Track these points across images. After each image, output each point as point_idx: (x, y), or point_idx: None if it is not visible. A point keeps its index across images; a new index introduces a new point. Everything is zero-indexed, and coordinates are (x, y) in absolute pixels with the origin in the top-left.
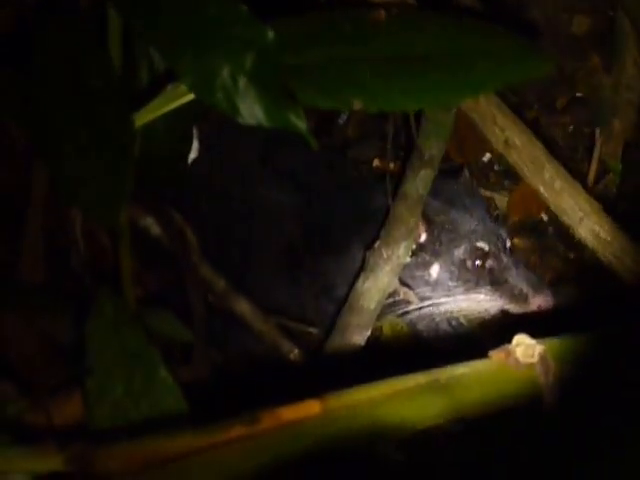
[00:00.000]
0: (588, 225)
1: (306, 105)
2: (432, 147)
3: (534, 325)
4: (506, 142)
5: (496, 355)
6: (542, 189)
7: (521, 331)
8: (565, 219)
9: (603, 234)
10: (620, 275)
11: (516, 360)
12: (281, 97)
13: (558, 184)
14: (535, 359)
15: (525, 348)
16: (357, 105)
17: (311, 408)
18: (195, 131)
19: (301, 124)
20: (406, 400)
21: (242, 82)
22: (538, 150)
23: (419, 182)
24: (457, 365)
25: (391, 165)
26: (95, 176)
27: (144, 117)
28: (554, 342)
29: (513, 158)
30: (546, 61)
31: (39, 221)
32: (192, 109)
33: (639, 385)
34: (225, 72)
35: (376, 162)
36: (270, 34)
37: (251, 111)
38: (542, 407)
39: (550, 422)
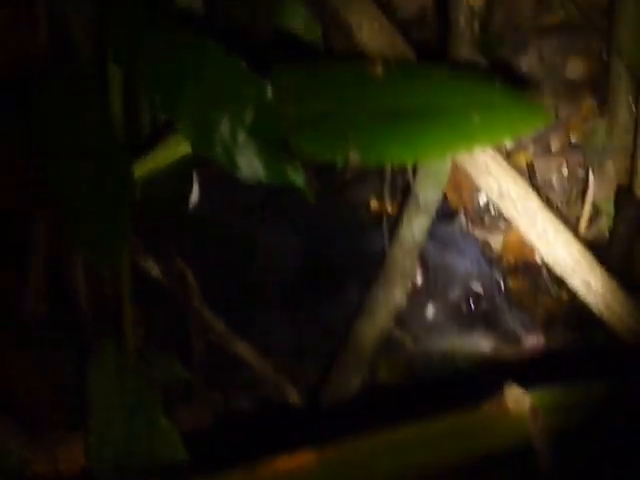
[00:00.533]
0: (580, 275)
1: (304, 157)
2: (428, 193)
3: (526, 365)
4: (500, 193)
5: (487, 405)
6: (535, 239)
7: (514, 372)
8: (557, 268)
9: (595, 284)
10: (610, 324)
11: (507, 410)
12: (280, 152)
13: (551, 235)
14: (525, 409)
15: (515, 398)
16: (354, 158)
17: (307, 459)
18: (195, 176)
19: (299, 179)
20: (399, 451)
21: (241, 137)
22: (532, 201)
23: (415, 228)
24: (450, 414)
25: (388, 207)
26: (95, 222)
27: (145, 166)
28: (543, 392)
29: (507, 208)
30: (543, 114)
31: (43, 259)
32: (193, 156)
33: (626, 435)
34: (224, 127)
35: (374, 204)
36: (269, 90)
37: (250, 166)
38: (532, 455)
39: (541, 471)
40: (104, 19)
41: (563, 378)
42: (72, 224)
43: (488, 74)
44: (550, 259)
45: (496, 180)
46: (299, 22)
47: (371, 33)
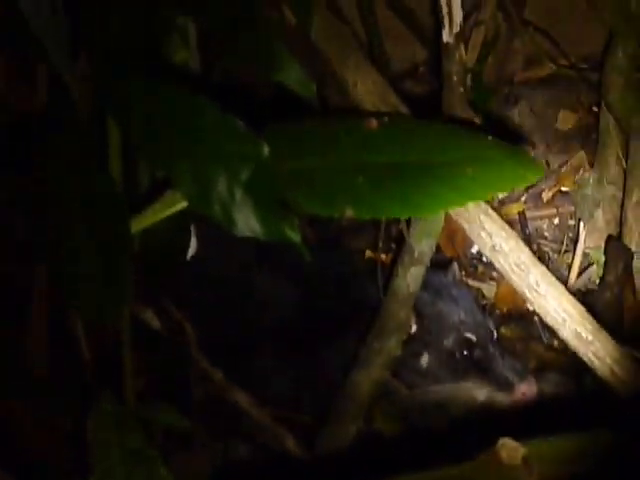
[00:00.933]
0: (571, 326)
1: (300, 212)
2: (422, 244)
3: (519, 413)
4: (493, 247)
5: (482, 457)
6: (527, 292)
7: (507, 419)
8: (548, 319)
9: (585, 334)
10: (600, 373)
11: (501, 462)
12: (276, 209)
13: (543, 288)
14: (519, 461)
15: (509, 450)
16: (349, 213)
17: None
18: (193, 228)
19: (295, 236)
20: None
21: (238, 194)
22: (524, 255)
23: (410, 278)
24: (446, 467)
25: (383, 256)
26: (94, 282)
27: (144, 221)
28: (537, 444)
29: (500, 262)
30: (536, 168)
31: (43, 316)
32: (190, 211)
33: None
34: (222, 185)
35: (369, 252)
36: (266, 148)
37: (247, 223)
38: None
39: None
40: (101, 77)
41: (556, 425)
42: (70, 284)
43: (481, 129)
44: (541, 310)
45: (489, 234)
46: (294, 79)
47: (366, 89)
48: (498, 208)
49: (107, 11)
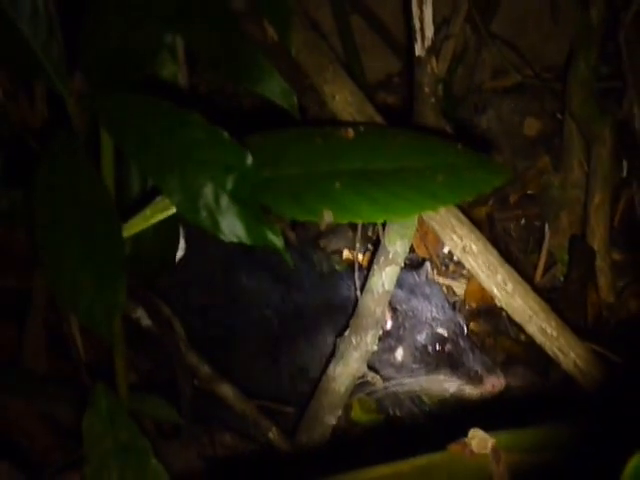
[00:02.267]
0: (536, 322)
1: (280, 216)
2: (397, 246)
3: (488, 403)
4: (464, 249)
5: (453, 447)
6: (495, 290)
7: (476, 409)
8: (516, 316)
9: (550, 330)
10: (564, 366)
11: (471, 451)
12: (259, 216)
13: (510, 286)
14: (488, 451)
15: (479, 441)
16: (327, 217)
17: None
18: (182, 232)
19: (278, 242)
20: None
21: (224, 202)
22: (492, 256)
23: (385, 277)
24: (419, 456)
25: (359, 256)
26: (88, 289)
27: (135, 227)
28: (505, 434)
29: (470, 263)
30: (503, 173)
31: (41, 317)
32: (179, 215)
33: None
34: (208, 193)
35: (346, 253)
36: (249, 158)
37: (232, 229)
38: None
39: None
40: (95, 92)
41: (523, 416)
42: (67, 290)
43: (451, 136)
44: (509, 307)
45: (459, 237)
46: (276, 91)
47: (343, 100)
48: (467, 210)
49: (100, 31)
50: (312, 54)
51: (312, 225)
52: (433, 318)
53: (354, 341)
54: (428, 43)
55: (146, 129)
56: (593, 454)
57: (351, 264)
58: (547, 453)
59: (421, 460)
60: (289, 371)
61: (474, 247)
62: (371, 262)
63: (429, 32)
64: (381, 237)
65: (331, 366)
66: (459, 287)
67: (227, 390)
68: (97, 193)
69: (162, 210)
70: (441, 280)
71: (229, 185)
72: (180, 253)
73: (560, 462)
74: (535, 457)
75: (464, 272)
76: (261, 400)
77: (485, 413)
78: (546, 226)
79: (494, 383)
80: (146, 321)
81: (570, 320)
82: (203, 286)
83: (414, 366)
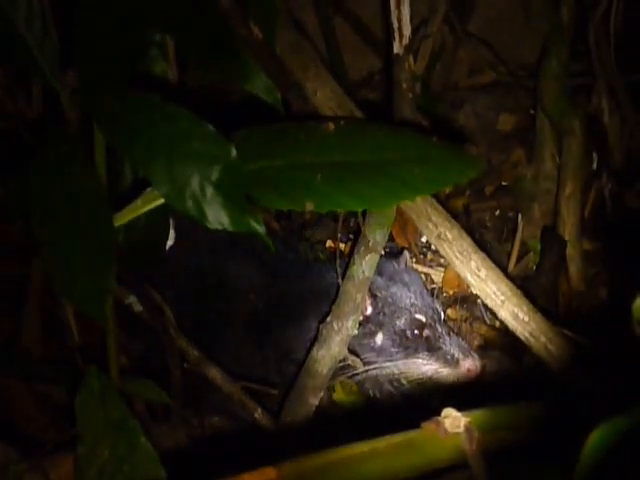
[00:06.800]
0: (509, 307)
1: (265, 206)
2: (376, 235)
3: (464, 386)
4: (439, 236)
5: (427, 426)
6: (469, 276)
7: (453, 391)
8: (489, 301)
9: (521, 315)
10: (536, 350)
11: (445, 430)
12: (243, 205)
13: (483, 272)
14: (461, 429)
15: (452, 420)
16: (309, 206)
17: (268, 474)
18: (172, 221)
19: (260, 228)
20: (352, 466)
21: (209, 192)
22: (466, 243)
23: (365, 265)
24: (394, 435)
25: (342, 246)
26: (81, 274)
27: (126, 216)
28: (478, 414)
29: (445, 250)
30: (476, 165)
31: (37, 302)
32: (168, 205)
33: (554, 453)
34: (194, 183)
35: (329, 243)
36: (233, 150)
37: (217, 217)
38: (468, 471)
39: None
40: (88, 88)
41: (496, 397)
42: (61, 276)
43: (428, 131)
44: (482, 293)
45: (435, 224)
46: (261, 88)
47: (324, 96)
48: (445, 201)
49: (91, 29)
50: (296, 53)
51: (297, 217)
52: (412, 304)
53: (336, 326)
54: (405, 41)
55: (135, 123)
56: (563, 431)
57: (334, 253)
58: (519, 432)
59: (396, 438)
60: (274, 354)
61: (449, 234)
62: (352, 251)
63: (406, 31)
64: (361, 227)
65: (314, 349)
66: (437, 275)
67: (215, 373)
68: (90, 184)
69: (152, 200)
70: (419, 268)
71: (214, 176)
72: (170, 242)
73: (530, 440)
74: (507, 436)
75: (442, 261)
76: (247, 382)
77: (462, 395)
78: (519, 216)
79: (470, 366)
80: (138, 307)
81: (542, 307)
82: (193, 273)
83: (393, 350)
